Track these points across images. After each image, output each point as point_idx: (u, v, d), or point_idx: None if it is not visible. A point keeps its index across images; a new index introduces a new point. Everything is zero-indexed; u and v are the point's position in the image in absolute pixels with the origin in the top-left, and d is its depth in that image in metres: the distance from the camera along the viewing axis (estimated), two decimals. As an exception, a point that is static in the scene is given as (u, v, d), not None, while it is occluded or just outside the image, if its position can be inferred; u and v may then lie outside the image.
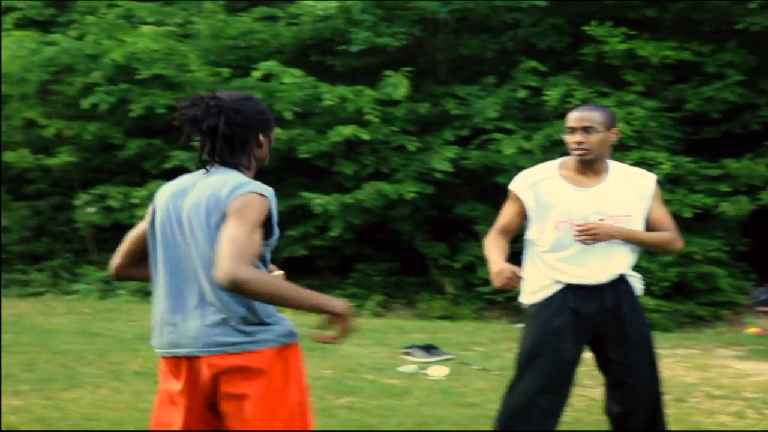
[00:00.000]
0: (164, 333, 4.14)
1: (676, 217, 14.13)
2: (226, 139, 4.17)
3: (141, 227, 4.37)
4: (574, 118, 5.69)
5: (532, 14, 16.41)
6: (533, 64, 15.78)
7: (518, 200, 5.76)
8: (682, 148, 15.68)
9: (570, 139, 5.65)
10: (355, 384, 9.13)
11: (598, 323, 5.66)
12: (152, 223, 4.25)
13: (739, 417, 8.15)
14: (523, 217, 5.78)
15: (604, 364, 5.79)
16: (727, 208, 14.82)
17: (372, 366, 10.03)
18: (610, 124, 5.68)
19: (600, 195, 5.66)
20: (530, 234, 5.76)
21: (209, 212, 4.06)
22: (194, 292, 4.08)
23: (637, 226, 5.71)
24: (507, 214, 5.84)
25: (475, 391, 8.87)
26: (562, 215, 5.64)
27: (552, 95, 15.11)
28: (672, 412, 8.02)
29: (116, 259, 4.39)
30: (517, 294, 5.88)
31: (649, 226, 5.76)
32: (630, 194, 5.72)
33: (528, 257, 5.78)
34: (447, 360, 10.38)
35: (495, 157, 14.91)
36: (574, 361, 5.69)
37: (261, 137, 4.26)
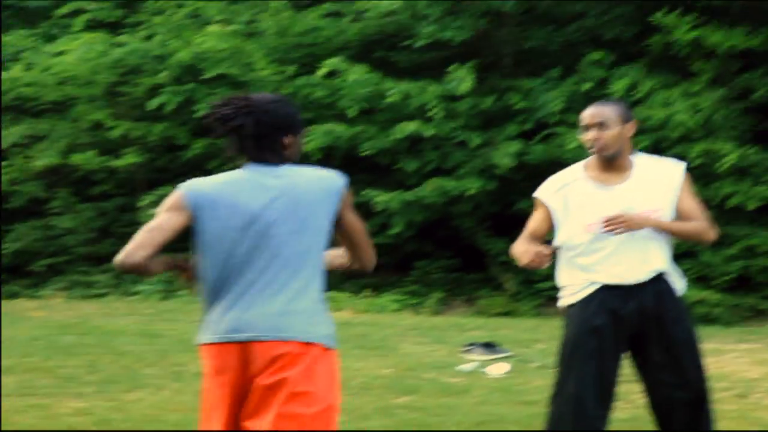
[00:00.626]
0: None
1: (741, 210, 14.65)
2: (254, 138, 4.26)
3: (173, 222, 4.26)
4: (586, 115, 5.63)
5: (599, 4, 16.48)
6: (599, 55, 15.90)
7: (544, 206, 5.70)
8: (750, 139, 15.63)
9: (585, 137, 5.62)
10: (415, 383, 9.09)
11: (637, 323, 5.61)
12: (201, 220, 4.26)
13: None
14: (550, 223, 5.72)
15: (644, 364, 5.72)
16: (765, 190, 14.92)
17: (431, 364, 10.01)
18: (625, 118, 5.62)
19: (626, 192, 5.63)
20: (560, 239, 5.71)
21: (318, 205, 4.25)
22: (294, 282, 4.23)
23: (667, 218, 5.64)
24: (534, 220, 5.78)
25: (535, 388, 8.71)
26: (592, 216, 5.58)
27: (617, 87, 15.22)
28: (734, 408, 8.09)
29: (142, 251, 4.21)
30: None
31: (679, 217, 5.68)
32: (658, 187, 5.68)
33: (561, 262, 5.72)
34: (507, 358, 10.39)
35: (558, 151, 15.03)
36: (616, 361, 5.64)
37: (287, 139, 4.34)
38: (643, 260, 5.64)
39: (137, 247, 4.19)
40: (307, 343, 4.15)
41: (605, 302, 5.61)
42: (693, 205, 5.73)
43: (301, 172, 4.33)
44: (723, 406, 7.82)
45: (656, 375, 5.71)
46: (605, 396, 5.68)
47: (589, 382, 5.60)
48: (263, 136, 4.28)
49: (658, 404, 5.81)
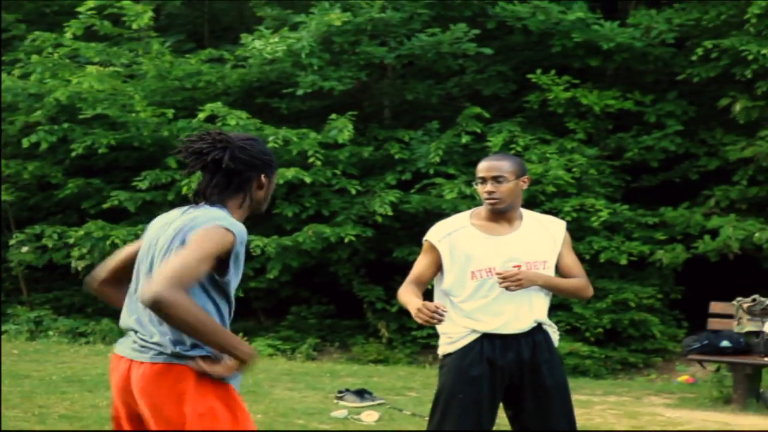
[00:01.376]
0: None
1: (613, 263, 14.91)
2: (227, 174, 4.26)
3: (132, 248, 4.45)
4: (483, 168, 5.76)
5: (478, 61, 16.67)
6: (477, 110, 15.99)
7: (434, 250, 5.77)
8: (621, 196, 16.01)
9: (481, 189, 5.72)
10: (286, 429, 9.12)
11: (514, 373, 5.68)
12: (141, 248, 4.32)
13: None
14: (437, 268, 5.79)
15: (517, 414, 5.81)
16: (662, 256, 15.08)
17: (304, 410, 10.03)
18: (519, 173, 5.75)
19: (514, 242, 5.73)
20: (445, 284, 5.77)
21: (168, 243, 4.16)
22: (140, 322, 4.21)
23: (551, 272, 5.78)
24: (421, 264, 5.85)
25: None
26: (478, 264, 5.67)
27: (495, 141, 15.31)
28: None
29: (101, 273, 4.47)
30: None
31: (560, 272, 5.83)
32: (543, 241, 5.81)
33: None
34: (379, 405, 10.38)
35: (436, 201, 15.08)
36: (493, 410, 5.72)
37: (263, 178, 4.32)
38: (525, 311, 5.72)
39: (99, 268, 4.48)
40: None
41: (484, 352, 5.67)
42: (573, 262, 5.91)
43: (201, 213, 4.23)
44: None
45: (527, 424, 5.76)
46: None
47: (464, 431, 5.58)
48: (237, 173, 4.26)
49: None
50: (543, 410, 5.72)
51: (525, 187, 5.84)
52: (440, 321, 5.45)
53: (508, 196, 5.71)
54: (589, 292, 5.94)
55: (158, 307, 3.86)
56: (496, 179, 5.69)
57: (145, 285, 3.99)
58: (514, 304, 5.66)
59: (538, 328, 5.75)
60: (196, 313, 3.91)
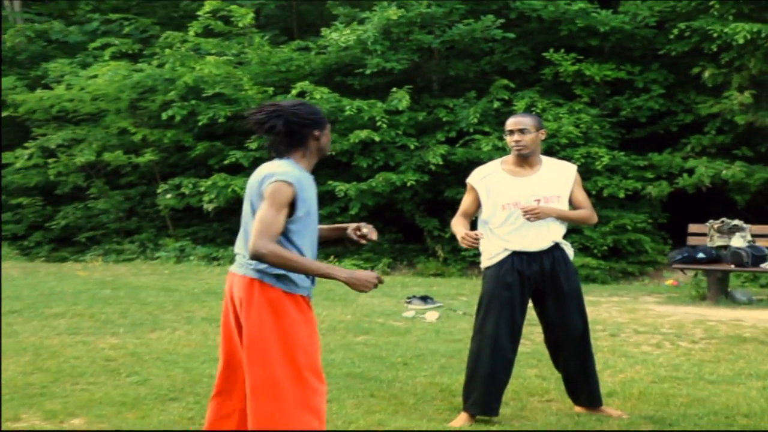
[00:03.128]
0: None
1: (613, 197, 14.87)
2: (286, 134, 4.18)
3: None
4: (511, 123, 5.77)
5: (504, 44, 16.58)
6: (505, 81, 15.94)
7: (473, 190, 5.82)
8: (618, 145, 15.93)
9: (510, 139, 5.73)
10: (369, 326, 9.18)
11: (538, 281, 5.72)
12: None
13: (657, 347, 8.33)
14: (478, 203, 5.82)
15: (542, 311, 5.84)
16: (651, 190, 15.06)
17: (382, 312, 10.08)
18: (538, 127, 5.77)
19: (534, 181, 5.74)
20: (484, 215, 5.78)
21: (254, 193, 4.17)
22: (243, 238, 4.22)
23: (565, 204, 5.77)
24: (466, 201, 5.89)
25: (459, 330, 8.90)
26: (507, 199, 5.69)
27: (519, 105, 15.24)
28: (607, 343, 8.32)
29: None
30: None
31: (571, 204, 5.82)
32: (558, 180, 5.79)
33: (483, 233, 5.73)
34: (438, 307, 10.43)
35: (476, 152, 14.98)
36: (523, 309, 5.75)
37: (316, 132, 4.23)
38: (545, 234, 5.75)
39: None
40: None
41: (515, 265, 5.72)
42: (582, 196, 5.90)
43: (267, 167, 4.21)
44: (598, 343, 8.13)
45: (550, 318, 5.85)
46: (515, 335, 5.79)
47: (503, 325, 5.69)
48: (293, 133, 4.19)
49: (551, 341, 5.96)
50: (562, 308, 5.77)
51: (543, 138, 5.85)
52: (477, 245, 5.56)
53: (530, 144, 5.73)
54: (594, 219, 5.94)
55: (258, 259, 3.98)
56: (521, 131, 5.73)
57: (250, 241, 4.02)
58: (535, 228, 5.70)
59: (556, 247, 5.79)
60: (286, 256, 3.97)
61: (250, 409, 4.10)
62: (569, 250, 5.90)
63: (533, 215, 5.60)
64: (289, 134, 4.20)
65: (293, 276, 4.11)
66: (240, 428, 4.28)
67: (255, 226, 4.00)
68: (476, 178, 5.87)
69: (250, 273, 4.12)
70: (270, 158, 4.30)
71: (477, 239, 5.51)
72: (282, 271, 4.08)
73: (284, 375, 4.03)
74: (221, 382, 4.34)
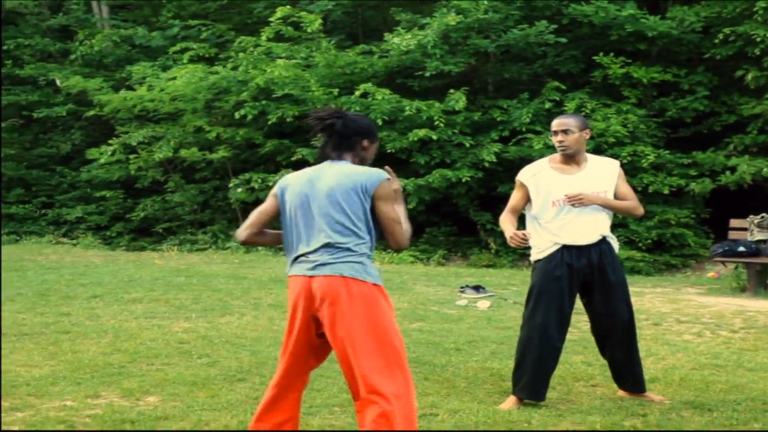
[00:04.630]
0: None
1: (658, 193, 14.72)
2: (341, 137, 4.20)
3: (266, 206, 4.35)
4: (555, 124, 5.71)
5: (556, 48, 16.45)
6: (556, 83, 15.90)
7: (523, 187, 5.73)
8: (663, 144, 15.79)
9: (554, 139, 5.68)
10: (424, 313, 9.17)
11: (586, 273, 5.64)
12: (283, 200, 4.26)
13: (698, 336, 8.27)
14: (527, 199, 5.73)
15: (590, 301, 5.77)
16: (694, 187, 14.94)
17: (436, 300, 10.05)
18: (582, 127, 5.68)
19: (581, 178, 5.66)
20: (533, 211, 5.71)
21: (354, 190, 4.07)
22: (321, 240, 4.13)
23: (610, 198, 5.68)
24: (515, 197, 5.80)
25: (510, 318, 8.88)
26: (556, 195, 5.63)
27: (570, 106, 15.21)
28: (650, 332, 8.27)
29: (248, 230, 4.35)
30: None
31: (617, 198, 5.72)
32: (603, 176, 5.71)
33: (532, 228, 5.70)
34: (490, 296, 10.40)
35: (527, 150, 14.95)
36: (571, 300, 5.69)
37: (365, 142, 4.25)
38: (592, 228, 5.66)
39: (243, 227, 4.38)
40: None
41: (564, 258, 5.65)
42: (627, 190, 5.80)
43: (346, 168, 4.19)
44: (642, 331, 8.01)
45: (597, 309, 5.76)
46: (563, 325, 5.72)
47: (552, 315, 5.63)
48: (347, 137, 4.18)
49: (598, 329, 5.87)
50: (608, 299, 5.69)
51: (587, 137, 5.75)
52: (525, 245, 5.50)
53: (574, 144, 5.66)
54: (640, 211, 5.84)
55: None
56: (564, 132, 5.66)
57: (397, 245, 4.15)
58: (584, 223, 5.62)
59: (603, 240, 5.69)
60: (408, 233, 4.21)
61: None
62: (615, 243, 5.80)
63: (578, 201, 5.55)
64: (343, 136, 4.20)
65: (375, 269, 4.14)
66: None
67: (396, 229, 4.09)
68: (526, 175, 5.78)
69: (342, 272, 4.08)
70: (319, 161, 4.29)
71: (525, 239, 5.46)
72: (370, 264, 4.12)
73: (386, 363, 4.03)
74: (289, 367, 4.30)
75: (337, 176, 4.14)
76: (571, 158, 5.72)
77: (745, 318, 9.25)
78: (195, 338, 7.58)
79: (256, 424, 4.32)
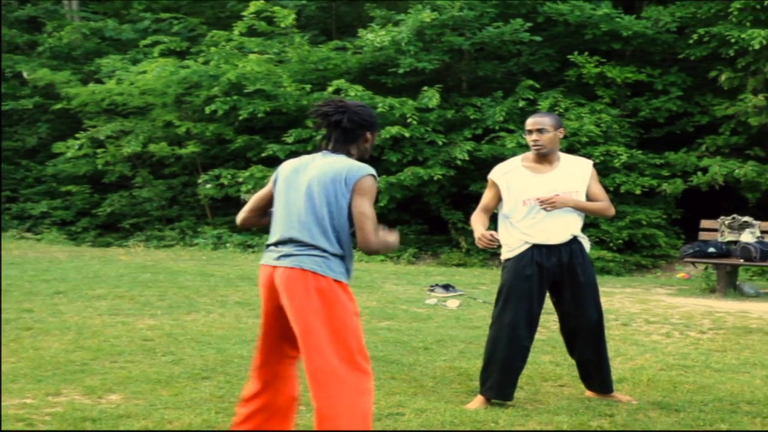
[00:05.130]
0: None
1: (630, 193, 14.80)
2: (344, 131, 4.21)
3: (264, 191, 4.40)
4: (530, 123, 5.69)
5: (530, 46, 16.57)
6: (530, 82, 15.90)
7: (495, 185, 5.75)
8: (636, 144, 15.89)
9: (529, 138, 5.67)
10: (393, 312, 9.16)
11: (556, 273, 5.66)
12: (276, 185, 4.30)
13: (667, 336, 8.29)
14: (498, 198, 5.75)
15: (559, 301, 5.78)
16: (666, 187, 15.03)
17: (405, 299, 10.06)
18: (557, 126, 5.68)
19: (553, 178, 5.68)
20: (505, 210, 5.72)
21: (333, 182, 4.10)
22: (290, 232, 4.18)
23: (582, 198, 5.69)
24: (487, 196, 5.81)
25: (479, 317, 8.90)
26: (527, 194, 5.63)
27: (543, 105, 15.26)
28: (619, 332, 8.29)
29: (243, 214, 4.41)
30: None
31: (589, 198, 5.74)
32: (575, 176, 5.72)
33: (503, 227, 5.72)
34: (460, 295, 10.40)
35: (500, 149, 14.95)
36: (541, 300, 5.70)
37: (369, 134, 4.29)
38: (563, 228, 5.68)
39: (241, 211, 4.44)
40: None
41: (534, 257, 5.66)
42: (599, 190, 5.82)
43: (339, 160, 4.20)
44: (611, 331, 8.08)
45: (566, 308, 5.78)
46: (532, 325, 5.74)
47: (521, 315, 5.63)
48: (351, 131, 4.23)
49: (567, 329, 5.89)
50: (578, 299, 5.71)
51: (561, 136, 5.77)
52: (493, 246, 5.53)
53: (548, 143, 5.66)
54: (611, 212, 5.84)
55: (374, 253, 4.15)
56: (539, 131, 5.65)
57: (364, 243, 4.07)
58: (554, 222, 5.64)
59: (574, 240, 5.71)
60: (388, 242, 4.18)
61: (313, 395, 4.10)
62: (586, 243, 5.81)
63: (550, 205, 5.55)
64: (346, 131, 4.21)
65: (343, 265, 4.15)
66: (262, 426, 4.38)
67: (366, 223, 4.05)
68: (498, 174, 5.79)
69: (302, 264, 4.10)
70: (316, 151, 4.32)
71: (493, 240, 5.49)
72: (334, 260, 4.12)
73: (339, 361, 4.05)
74: (264, 355, 4.34)
75: (321, 168, 4.17)
76: (544, 157, 5.73)
77: (714, 319, 9.31)
78: (160, 336, 7.55)
79: (237, 408, 4.42)
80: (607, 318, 7.53)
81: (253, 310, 9.02)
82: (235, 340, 7.41)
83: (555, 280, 5.73)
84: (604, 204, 5.78)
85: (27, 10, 22.10)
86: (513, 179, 5.71)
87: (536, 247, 5.65)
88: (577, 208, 5.69)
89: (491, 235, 5.50)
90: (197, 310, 8.94)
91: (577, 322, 5.77)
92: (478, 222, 5.72)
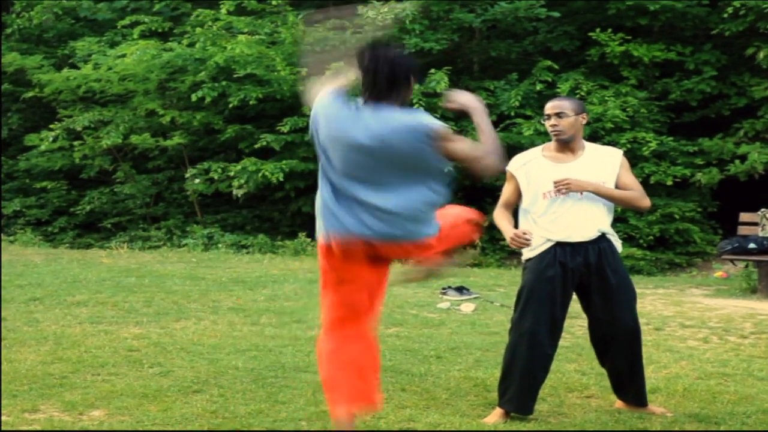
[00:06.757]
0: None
1: (661, 184, 14.76)
2: (388, 80, 4.44)
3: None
4: (549, 107, 5.72)
5: (548, 23, 16.56)
6: (548, 63, 15.90)
7: (513, 178, 5.76)
8: (666, 130, 15.80)
9: (548, 123, 5.68)
10: (402, 317, 9.15)
11: (582, 274, 5.62)
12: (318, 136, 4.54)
13: (704, 342, 8.26)
14: (519, 192, 5.76)
15: (588, 306, 5.74)
16: (700, 177, 14.98)
17: (415, 303, 10.03)
18: (578, 110, 5.68)
19: (576, 168, 5.65)
20: (524, 204, 5.72)
21: (410, 136, 4.36)
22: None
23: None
24: (507, 190, 5.83)
25: (496, 322, 8.88)
26: (547, 186, 5.62)
27: (563, 88, 15.20)
28: (651, 338, 8.24)
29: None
30: None
31: (620, 189, 5.68)
32: (601, 166, 5.67)
33: (524, 223, 5.72)
34: (475, 298, 10.39)
35: (516, 137, 14.94)
36: (564, 304, 5.66)
37: (412, 80, 4.53)
38: (588, 222, 5.64)
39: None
40: None
41: (557, 256, 5.62)
42: (630, 180, 5.77)
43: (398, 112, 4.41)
44: (643, 337, 7.84)
45: (596, 314, 5.73)
46: (554, 331, 5.71)
47: (543, 321, 5.61)
48: (395, 80, 4.45)
49: (597, 336, 5.85)
50: (609, 304, 5.65)
51: (584, 122, 5.75)
52: (528, 245, 5.55)
53: (569, 129, 5.66)
54: (645, 202, 5.77)
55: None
56: (558, 115, 5.66)
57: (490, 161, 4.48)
58: (579, 217, 5.60)
59: (603, 238, 5.65)
60: None
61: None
62: (617, 241, 5.79)
63: (564, 186, 5.54)
64: (389, 80, 4.42)
65: None
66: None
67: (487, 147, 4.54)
68: (515, 165, 5.79)
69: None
70: (364, 98, 4.49)
71: (527, 239, 5.51)
72: None
73: None
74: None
75: (390, 121, 4.41)
76: (565, 145, 5.72)
77: (756, 322, 9.29)
78: (146, 345, 7.56)
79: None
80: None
81: (248, 316, 9.04)
82: (229, 350, 7.40)
83: (582, 283, 5.69)
84: (634, 193, 5.71)
85: (-7, -12, 22.13)
86: (532, 170, 5.71)
87: (560, 245, 5.63)
88: (601, 195, 5.63)
89: (524, 233, 5.51)
90: (187, 317, 8.94)
91: (610, 329, 5.74)
92: (503, 220, 5.75)
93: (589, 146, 5.82)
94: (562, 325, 5.77)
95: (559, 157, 5.73)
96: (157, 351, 7.36)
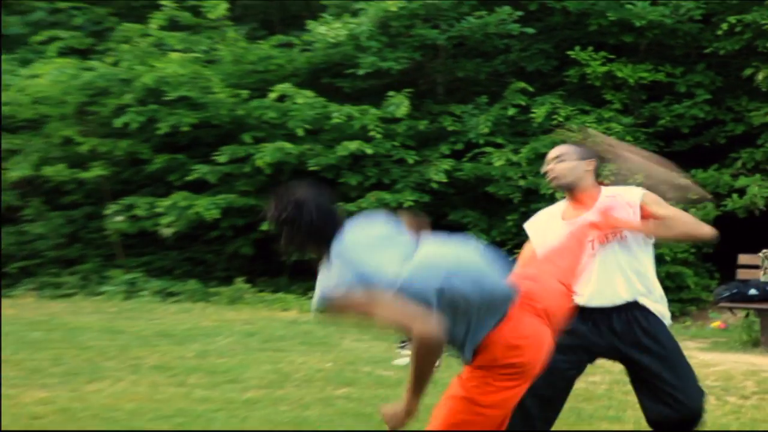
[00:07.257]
0: None
1: (648, 222, 14.76)
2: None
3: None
4: (549, 154, 5.62)
5: (521, 40, 16.63)
6: (522, 84, 15.96)
7: (528, 235, 5.65)
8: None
9: (544, 169, 5.61)
10: (353, 376, 9.15)
11: (606, 344, 5.41)
12: None
13: None
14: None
15: (638, 376, 5.47)
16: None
17: (369, 359, 10.03)
18: (584, 155, 5.52)
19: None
20: None
21: None
22: None
23: (634, 242, 5.42)
24: (525, 248, 5.65)
25: None
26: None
27: (538, 113, 15.36)
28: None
29: None
30: None
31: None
32: (620, 213, 5.38)
33: None
34: (438, 354, 10.57)
35: (486, 168, 15.09)
36: (569, 378, 5.49)
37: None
38: (609, 286, 5.44)
39: None
40: None
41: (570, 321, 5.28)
42: (671, 211, 5.46)
43: None
44: (629, 396, 7.65)
45: (654, 383, 5.47)
46: (550, 407, 5.50)
47: (536, 391, 4.94)
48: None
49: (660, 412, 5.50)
50: (665, 374, 5.36)
51: (590, 168, 5.53)
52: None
53: (566, 173, 5.48)
54: (704, 230, 5.53)
55: None
56: (556, 159, 5.52)
57: None
58: (598, 279, 5.39)
59: (636, 305, 5.40)
60: None
61: None
62: (663, 310, 5.48)
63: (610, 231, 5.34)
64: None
65: None
66: None
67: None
68: (530, 221, 5.73)
69: None
70: None
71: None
72: None
73: None
74: None
75: None
76: (574, 197, 5.54)
77: (759, 380, 9.26)
78: (53, 412, 7.47)
79: None
80: (623, 379, 7.38)
81: (174, 376, 9.01)
82: (151, 416, 7.35)
83: (621, 355, 5.46)
84: (687, 219, 5.48)
85: None
86: (541, 228, 5.60)
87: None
88: (637, 231, 5.39)
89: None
90: (102, 378, 8.88)
91: (675, 406, 5.40)
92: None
93: (605, 192, 5.57)
94: (562, 402, 5.57)
95: (569, 211, 5.54)
96: (65, 418, 7.27)
